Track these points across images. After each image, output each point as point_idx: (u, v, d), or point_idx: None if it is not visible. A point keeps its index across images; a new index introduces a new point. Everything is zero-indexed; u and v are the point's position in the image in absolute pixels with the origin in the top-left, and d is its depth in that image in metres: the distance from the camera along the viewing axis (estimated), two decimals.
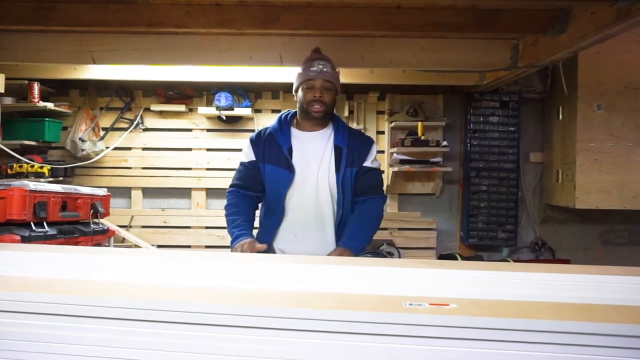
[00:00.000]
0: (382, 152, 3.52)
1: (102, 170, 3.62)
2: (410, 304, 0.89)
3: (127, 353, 0.88)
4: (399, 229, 3.64)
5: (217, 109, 3.39)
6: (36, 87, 3.22)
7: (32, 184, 2.47)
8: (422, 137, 3.33)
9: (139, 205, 3.65)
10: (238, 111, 3.44)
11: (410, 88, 3.50)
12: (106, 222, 3.13)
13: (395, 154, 3.40)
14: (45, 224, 2.49)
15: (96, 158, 3.51)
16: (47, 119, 3.35)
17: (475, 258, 3.54)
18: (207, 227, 3.61)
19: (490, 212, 3.57)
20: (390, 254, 3.13)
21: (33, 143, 3.30)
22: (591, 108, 3.15)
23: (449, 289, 1.08)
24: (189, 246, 3.62)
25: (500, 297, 0.99)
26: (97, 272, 1.20)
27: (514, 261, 3.33)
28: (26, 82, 3.20)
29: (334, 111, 2.17)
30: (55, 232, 2.54)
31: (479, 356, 0.82)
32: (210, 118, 3.60)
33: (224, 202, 2.13)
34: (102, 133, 3.58)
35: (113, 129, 3.60)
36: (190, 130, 3.65)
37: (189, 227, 3.63)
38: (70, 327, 0.90)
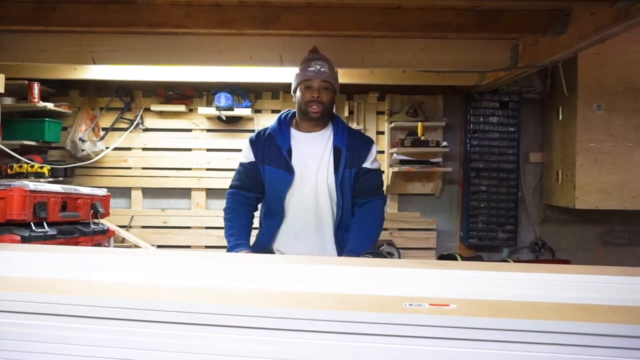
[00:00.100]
0: (382, 152, 3.52)
1: (102, 171, 3.62)
2: (410, 305, 0.89)
3: (127, 353, 0.88)
4: (399, 229, 3.64)
5: (217, 109, 3.39)
6: (36, 87, 3.22)
7: (32, 184, 2.47)
8: (422, 138, 3.33)
9: (139, 206, 3.65)
10: (238, 111, 3.44)
11: (410, 88, 3.50)
12: (106, 223, 3.13)
13: (395, 154, 3.40)
14: (45, 224, 2.49)
15: (96, 158, 3.51)
16: (47, 119, 3.35)
17: (475, 258, 3.53)
18: (207, 228, 3.61)
19: (490, 212, 3.57)
20: (390, 255, 3.13)
21: (33, 143, 3.30)
22: (591, 108, 3.15)
23: (449, 289, 1.08)
24: (188, 246, 3.62)
25: (500, 298, 0.99)
26: (97, 272, 1.20)
27: (514, 261, 3.31)
28: (26, 82, 3.20)
29: (334, 111, 2.16)
30: (55, 233, 2.54)
31: (479, 356, 0.82)
32: (210, 118, 3.60)
33: (224, 202, 2.14)
34: (102, 133, 3.58)
35: (113, 129, 3.60)
36: (190, 130, 3.65)
37: (188, 228, 3.63)
38: (70, 327, 0.90)
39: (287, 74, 2.89)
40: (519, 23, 2.39)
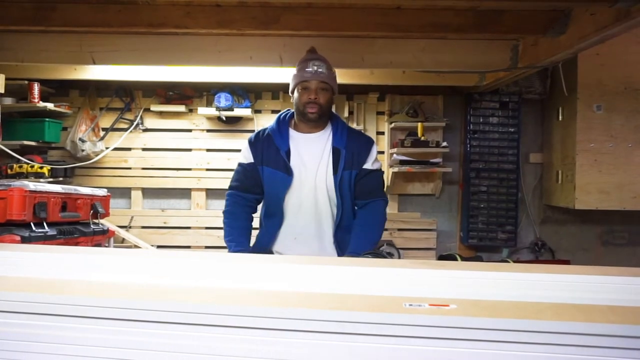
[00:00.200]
0: (382, 152, 3.52)
1: (102, 171, 3.62)
2: (410, 305, 0.89)
3: (127, 353, 0.88)
4: (399, 229, 3.64)
5: (217, 110, 3.39)
6: (36, 88, 3.22)
7: (32, 185, 2.47)
8: (422, 138, 3.33)
9: (139, 206, 3.65)
10: (238, 112, 3.44)
11: (410, 89, 3.50)
12: (106, 223, 3.13)
13: (395, 155, 3.40)
14: (45, 224, 2.49)
15: (96, 158, 3.51)
16: (47, 119, 3.35)
17: (475, 259, 3.53)
18: (207, 228, 3.61)
19: (490, 212, 3.57)
20: (390, 255, 3.13)
21: (33, 143, 3.30)
22: (591, 109, 3.15)
23: (448, 289, 1.08)
24: (188, 247, 3.62)
25: (500, 298, 0.99)
26: (96, 273, 1.20)
27: (514, 262, 3.31)
28: (26, 82, 3.20)
29: (334, 111, 2.15)
30: (55, 233, 2.54)
31: (478, 357, 0.82)
32: (210, 118, 3.60)
33: (224, 202, 2.13)
34: (102, 133, 3.58)
35: (113, 129, 3.60)
36: (190, 130, 3.65)
37: (188, 228, 3.63)
38: (70, 327, 0.90)
39: (287, 74, 2.87)
40: (519, 23, 2.39)
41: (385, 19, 2.35)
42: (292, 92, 2.08)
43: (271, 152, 2.04)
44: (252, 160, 2.07)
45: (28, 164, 3.16)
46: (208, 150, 3.65)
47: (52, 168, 3.28)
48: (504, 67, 2.81)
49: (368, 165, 2.06)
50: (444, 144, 3.41)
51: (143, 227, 3.61)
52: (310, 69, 1.99)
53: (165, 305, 0.88)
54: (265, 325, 0.86)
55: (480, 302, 0.93)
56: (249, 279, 1.19)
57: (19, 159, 3.14)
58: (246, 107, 3.47)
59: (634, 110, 3.15)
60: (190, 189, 3.66)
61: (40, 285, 1.00)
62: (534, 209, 3.68)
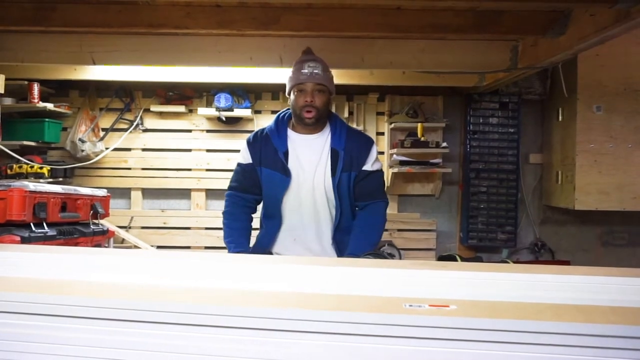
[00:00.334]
0: (382, 153, 3.52)
1: (102, 171, 3.61)
2: (410, 305, 0.89)
3: (127, 354, 0.88)
4: (399, 230, 3.64)
5: (216, 110, 3.39)
6: (36, 88, 3.22)
7: (31, 185, 2.47)
8: (422, 138, 3.33)
9: (139, 206, 3.64)
10: (238, 112, 3.44)
11: (409, 89, 3.50)
12: (106, 223, 3.12)
13: (395, 155, 3.40)
14: (45, 224, 2.49)
15: (96, 159, 3.51)
16: (46, 119, 3.35)
17: (474, 259, 3.54)
18: (206, 228, 3.61)
19: (490, 213, 3.57)
20: (391, 255, 3.13)
21: (33, 144, 3.30)
22: (591, 109, 3.15)
23: (448, 290, 1.08)
24: (188, 247, 3.62)
25: (500, 299, 0.99)
26: (96, 273, 1.20)
27: (514, 262, 3.31)
28: (26, 82, 3.20)
29: (334, 111, 2.14)
30: (54, 233, 2.54)
31: (479, 357, 0.82)
32: (210, 119, 3.60)
33: (224, 203, 2.13)
34: (101, 134, 3.58)
35: (113, 129, 3.60)
36: (190, 131, 3.65)
37: (188, 228, 3.63)
38: (70, 327, 0.90)
39: (287, 75, 2.89)
40: (519, 24, 2.39)
41: (385, 20, 2.35)
42: (289, 94, 2.05)
43: (269, 153, 2.03)
44: (250, 161, 2.06)
45: (28, 164, 3.16)
46: (208, 150, 3.64)
47: (51, 168, 3.27)
48: (504, 67, 2.81)
49: (368, 166, 2.05)
50: (444, 144, 3.41)
51: (143, 228, 3.61)
52: (306, 71, 1.96)
53: (165, 306, 0.88)
54: (265, 325, 0.86)
55: (480, 303, 0.93)
56: (248, 279, 1.19)
57: (18, 159, 3.13)
58: (246, 107, 3.46)
59: (633, 111, 3.15)
60: (190, 190, 3.66)
61: (40, 286, 1.00)
62: (533, 210, 3.68)
